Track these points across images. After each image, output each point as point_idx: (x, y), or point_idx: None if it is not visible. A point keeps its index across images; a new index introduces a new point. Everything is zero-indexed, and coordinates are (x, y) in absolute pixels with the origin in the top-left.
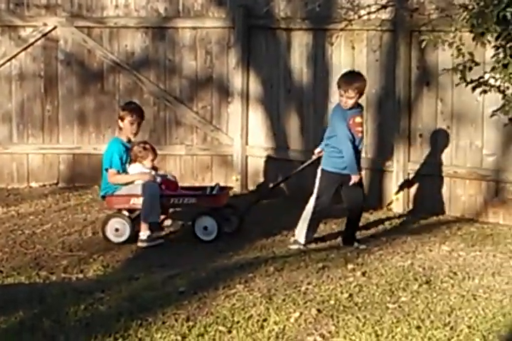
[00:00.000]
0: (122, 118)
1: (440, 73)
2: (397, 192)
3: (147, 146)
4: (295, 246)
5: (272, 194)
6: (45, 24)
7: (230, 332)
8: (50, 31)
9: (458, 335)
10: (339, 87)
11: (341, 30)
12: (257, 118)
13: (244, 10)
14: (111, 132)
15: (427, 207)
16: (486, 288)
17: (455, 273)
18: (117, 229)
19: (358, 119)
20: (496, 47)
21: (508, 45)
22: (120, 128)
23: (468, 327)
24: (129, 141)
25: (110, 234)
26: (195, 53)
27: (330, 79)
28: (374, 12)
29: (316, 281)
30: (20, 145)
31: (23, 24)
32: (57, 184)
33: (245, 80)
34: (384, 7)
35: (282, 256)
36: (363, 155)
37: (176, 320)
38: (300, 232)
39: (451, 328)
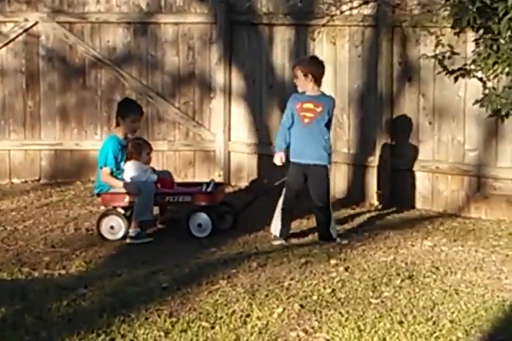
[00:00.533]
0: (123, 116)
1: (418, 58)
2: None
3: (140, 141)
4: (278, 242)
5: (268, 193)
6: (26, 19)
7: (213, 327)
8: (31, 27)
9: (440, 330)
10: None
11: (323, 25)
12: (239, 113)
13: (226, 5)
14: (92, 128)
15: (410, 203)
16: (468, 282)
17: (437, 268)
18: (112, 226)
19: (306, 105)
20: (476, 40)
21: (488, 37)
22: (117, 125)
23: (451, 321)
24: (126, 136)
25: (105, 231)
26: (177, 49)
27: None
28: (356, 7)
29: (299, 277)
30: (1, 141)
31: (4, 19)
32: (39, 180)
33: (227, 76)
34: (366, 2)
35: (265, 252)
36: (345, 150)
37: (159, 316)
38: (275, 226)
39: (434, 323)
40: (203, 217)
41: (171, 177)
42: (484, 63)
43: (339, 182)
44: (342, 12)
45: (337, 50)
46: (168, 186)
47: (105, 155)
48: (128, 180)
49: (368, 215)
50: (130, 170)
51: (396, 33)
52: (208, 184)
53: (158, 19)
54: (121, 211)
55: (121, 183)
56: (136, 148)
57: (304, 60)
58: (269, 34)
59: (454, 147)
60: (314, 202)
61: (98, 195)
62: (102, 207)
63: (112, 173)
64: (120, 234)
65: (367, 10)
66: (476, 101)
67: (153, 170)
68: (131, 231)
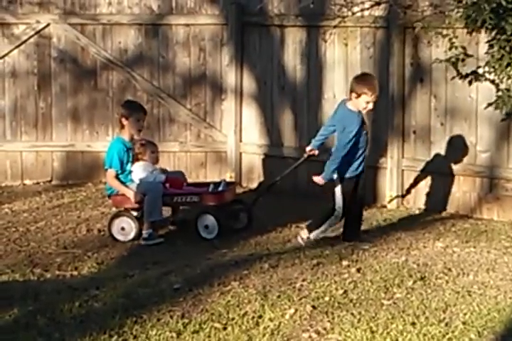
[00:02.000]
0: (127, 117)
1: (432, 62)
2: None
3: (143, 142)
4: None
5: (269, 191)
6: (38, 21)
7: (225, 328)
8: (43, 28)
9: (453, 331)
10: (368, 91)
11: (335, 27)
12: (250, 115)
13: (238, 7)
14: (104, 129)
15: (421, 204)
16: (480, 284)
17: (449, 270)
18: (123, 227)
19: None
20: (490, 42)
21: (502, 38)
22: (122, 127)
23: (463, 323)
24: (132, 138)
25: (116, 233)
26: (188, 50)
27: (323, 76)
28: (367, 9)
29: (311, 278)
30: (13, 142)
31: (16, 21)
32: (50, 181)
33: (239, 77)
34: (377, 4)
35: (277, 253)
36: None
37: (171, 317)
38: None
39: (446, 324)
40: (209, 219)
41: (184, 178)
42: (498, 64)
43: None
44: (353, 13)
45: (348, 51)
46: (178, 186)
47: (110, 157)
48: (137, 181)
49: (379, 216)
50: (137, 171)
51: (408, 34)
52: (218, 184)
53: (169, 20)
54: (134, 213)
55: (125, 188)
56: (141, 148)
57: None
58: (280, 35)
59: (466, 148)
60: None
61: (109, 196)
62: (114, 209)
63: (117, 175)
64: (131, 236)
65: (378, 11)
66: (489, 105)
67: (164, 171)
68: (144, 233)
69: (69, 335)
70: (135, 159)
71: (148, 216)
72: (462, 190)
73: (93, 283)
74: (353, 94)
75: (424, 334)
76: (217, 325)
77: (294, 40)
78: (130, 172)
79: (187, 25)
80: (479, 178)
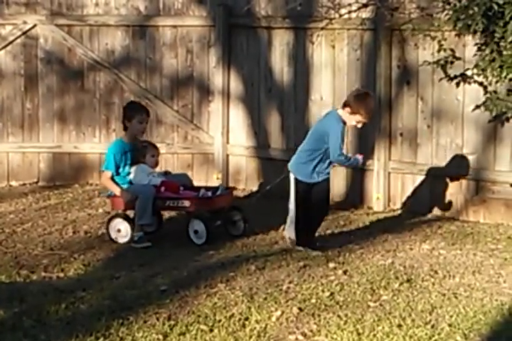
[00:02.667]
0: (129, 118)
1: (420, 64)
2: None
3: (145, 144)
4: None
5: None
6: (24, 22)
7: (211, 330)
8: (30, 29)
9: (439, 333)
10: (364, 113)
11: (322, 29)
12: (237, 116)
13: (225, 8)
14: (91, 130)
15: (408, 206)
16: (466, 286)
17: (436, 272)
18: (119, 229)
19: None
20: (479, 45)
21: (493, 41)
22: (125, 129)
23: (449, 325)
24: (134, 140)
25: (114, 234)
26: (175, 52)
27: (311, 78)
28: (355, 11)
29: (298, 280)
30: (0, 143)
31: (3, 22)
32: (37, 183)
33: (226, 79)
34: (365, 6)
35: (264, 255)
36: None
37: (158, 319)
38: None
39: (432, 326)
40: (198, 224)
41: (189, 181)
42: (491, 67)
43: (338, 185)
44: (341, 15)
45: (336, 53)
46: (173, 190)
47: (107, 159)
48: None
49: (366, 218)
50: (134, 173)
51: (395, 36)
52: (216, 189)
53: (156, 22)
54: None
55: (118, 188)
56: (141, 150)
57: None
58: (267, 37)
59: (453, 150)
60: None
61: (108, 197)
62: (120, 211)
63: (112, 177)
64: (127, 238)
65: (365, 13)
66: (477, 107)
67: (167, 173)
68: (135, 235)
69: (55, 337)
70: (135, 161)
71: (138, 219)
72: (449, 193)
73: (79, 284)
74: (347, 109)
75: (411, 337)
76: (203, 326)
77: (281, 42)
78: (128, 174)
79: (174, 26)
80: (466, 180)
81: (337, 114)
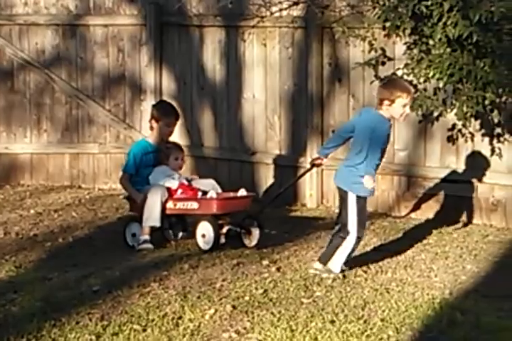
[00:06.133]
0: (157, 120)
1: (352, 67)
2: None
3: (169, 146)
4: (326, 275)
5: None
6: None
7: (144, 330)
8: None
9: (371, 328)
10: (402, 93)
11: (253, 27)
12: None
13: (156, 7)
14: (22, 131)
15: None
16: (398, 281)
17: (368, 267)
18: (134, 234)
19: None
20: (408, 44)
21: (422, 41)
22: (151, 129)
23: (382, 320)
24: (161, 141)
25: (129, 238)
26: (106, 51)
27: (243, 76)
28: (286, 9)
29: (231, 278)
30: None
31: None
32: None
33: (158, 77)
34: (295, 4)
35: (197, 253)
36: (276, 151)
37: (90, 320)
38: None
39: (365, 321)
40: (207, 228)
41: (214, 187)
42: (419, 68)
43: (270, 182)
44: (272, 13)
45: (267, 51)
46: (190, 193)
47: (127, 160)
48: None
49: (299, 215)
50: (154, 174)
51: (326, 34)
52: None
53: (87, 21)
54: None
55: (133, 190)
56: (165, 152)
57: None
58: (199, 35)
59: None
60: None
61: (126, 199)
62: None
63: (130, 178)
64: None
65: (296, 11)
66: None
67: (191, 179)
68: (140, 238)
69: None
70: (159, 162)
71: (144, 220)
72: (381, 189)
73: (11, 286)
74: (386, 102)
75: (343, 332)
76: (136, 326)
77: (213, 40)
78: (147, 175)
79: (105, 25)
80: (397, 177)
81: (376, 112)
